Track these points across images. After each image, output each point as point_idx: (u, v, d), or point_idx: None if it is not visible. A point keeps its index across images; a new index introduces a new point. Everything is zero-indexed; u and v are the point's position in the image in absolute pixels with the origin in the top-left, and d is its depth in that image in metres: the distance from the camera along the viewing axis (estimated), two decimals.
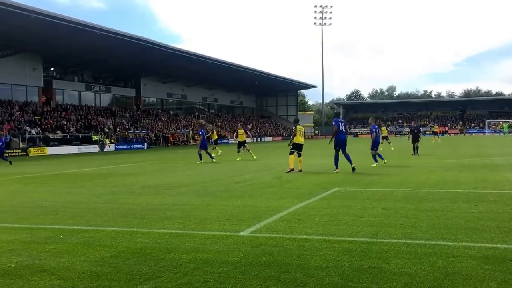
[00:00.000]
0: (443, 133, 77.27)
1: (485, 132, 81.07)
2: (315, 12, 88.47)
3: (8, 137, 35.16)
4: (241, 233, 6.38)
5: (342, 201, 8.99)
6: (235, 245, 5.70)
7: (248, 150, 23.68)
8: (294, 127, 15.92)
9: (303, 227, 6.65)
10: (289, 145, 15.94)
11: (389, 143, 31.65)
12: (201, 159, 21.74)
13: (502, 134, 75.70)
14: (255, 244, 5.72)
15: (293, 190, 10.80)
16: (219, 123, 75.63)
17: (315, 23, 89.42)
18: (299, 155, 15.53)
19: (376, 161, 17.15)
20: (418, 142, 23.37)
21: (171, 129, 60.90)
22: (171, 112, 70.72)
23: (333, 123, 15.43)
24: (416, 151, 23.07)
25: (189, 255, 5.30)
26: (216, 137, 25.83)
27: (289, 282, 4.28)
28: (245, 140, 24.20)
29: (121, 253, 5.47)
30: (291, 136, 15.95)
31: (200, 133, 22.58)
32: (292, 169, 15.23)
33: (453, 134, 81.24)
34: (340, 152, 14.98)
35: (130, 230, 6.76)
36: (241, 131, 24.17)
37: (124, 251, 5.58)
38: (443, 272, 4.43)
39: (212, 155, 22.85)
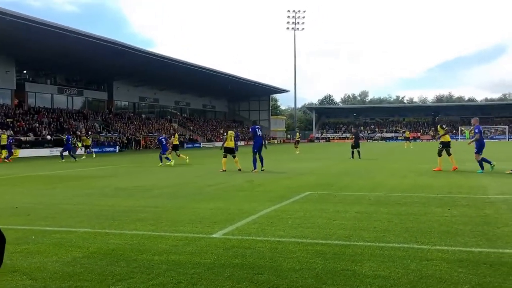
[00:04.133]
0: (415, 138, 78.36)
1: (458, 138, 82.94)
2: (288, 17, 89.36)
3: None
4: (214, 235, 6.33)
5: (315, 204, 9.02)
6: (208, 247, 5.66)
7: (178, 156, 24.91)
8: (225, 133, 17.64)
9: (275, 229, 6.65)
10: (221, 149, 17.95)
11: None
12: (161, 162, 22.66)
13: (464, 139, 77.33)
14: (228, 246, 5.69)
15: (265, 194, 10.80)
16: (191, 127, 75.30)
17: (288, 28, 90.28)
18: (234, 157, 17.45)
19: (483, 168, 15.29)
20: (359, 147, 25.05)
21: (143, 132, 60.35)
22: (143, 116, 70.07)
23: (250, 130, 17.80)
24: (357, 155, 24.67)
25: (162, 257, 5.25)
26: (177, 142, 25.58)
27: (262, 284, 4.26)
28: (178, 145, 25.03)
29: (93, 254, 5.41)
30: (223, 142, 17.91)
31: (162, 138, 24.10)
32: (224, 170, 16.98)
33: (426, 140, 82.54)
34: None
35: (102, 232, 6.70)
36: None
37: (96, 252, 5.52)
38: (417, 275, 4.47)
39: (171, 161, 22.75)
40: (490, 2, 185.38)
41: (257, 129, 17.37)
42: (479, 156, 15.38)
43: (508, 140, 79.49)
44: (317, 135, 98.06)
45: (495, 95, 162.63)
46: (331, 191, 11.15)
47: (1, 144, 28.99)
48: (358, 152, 24.87)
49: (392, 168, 18.35)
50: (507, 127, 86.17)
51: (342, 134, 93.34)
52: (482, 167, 15.26)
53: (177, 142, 25.65)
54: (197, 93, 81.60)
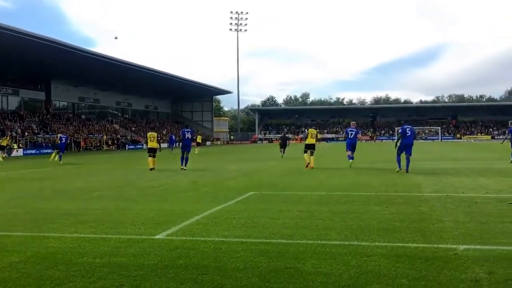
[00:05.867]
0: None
1: (394, 139, 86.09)
2: (231, 18, 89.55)
3: None
4: (157, 237, 6.25)
5: (258, 204, 9.09)
6: (151, 249, 5.58)
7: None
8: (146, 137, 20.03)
9: (219, 230, 6.65)
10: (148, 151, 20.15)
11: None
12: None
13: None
14: (171, 247, 5.63)
15: (209, 194, 10.76)
16: (133, 128, 73.77)
17: (230, 29, 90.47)
18: (154, 156, 19.52)
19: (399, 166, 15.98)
20: (285, 148, 28.86)
21: (83, 134, 58.47)
22: (83, 117, 67.88)
23: (180, 132, 20.57)
24: (283, 153, 28.30)
25: (103, 259, 5.13)
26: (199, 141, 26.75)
27: (206, 284, 4.25)
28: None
29: (31, 258, 5.22)
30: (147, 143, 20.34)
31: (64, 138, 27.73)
32: (152, 168, 18.94)
33: (364, 141, 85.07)
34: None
35: (40, 235, 6.46)
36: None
37: (34, 256, 5.33)
38: (357, 271, 4.60)
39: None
40: (424, 7, 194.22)
41: (186, 132, 19.80)
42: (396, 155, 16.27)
43: (441, 140, 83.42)
44: (260, 136, 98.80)
45: (429, 97, 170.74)
46: (274, 191, 11.28)
47: None
48: (284, 151, 28.48)
49: (334, 168, 18.79)
50: (439, 128, 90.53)
51: (285, 135, 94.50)
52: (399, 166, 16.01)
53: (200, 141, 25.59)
54: (140, 94, 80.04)
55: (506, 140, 22.27)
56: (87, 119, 67.32)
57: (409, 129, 16.41)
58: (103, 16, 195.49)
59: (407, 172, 15.44)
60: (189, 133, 19.89)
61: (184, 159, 19.34)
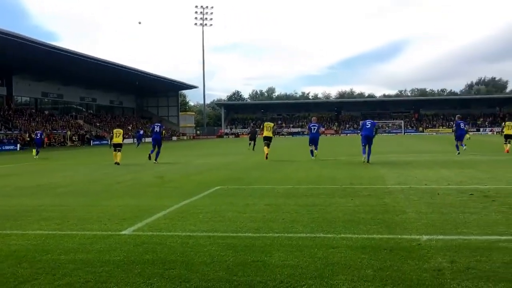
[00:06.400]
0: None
1: (359, 133, 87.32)
2: (196, 12, 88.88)
3: None
4: (123, 232, 6.18)
5: (225, 198, 9.08)
6: (117, 244, 5.51)
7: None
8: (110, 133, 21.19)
9: (186, 224, 6.62)
10: (110, 146, 20.93)
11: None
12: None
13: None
14: (138, 243, 5.57)
15: (175, 189, 10.69)
16: (98, 124, 72.38)
17: (196, 24, 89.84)
18: (119, 150, 19.80)
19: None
20: (255, 141, 30.02)
21: (46, 130, 56.91)
22: (46, 112, 66.07)
23: (150, 127, 21.78)
24: (253, 148, 29.08)
25: (68, 256, 5.05)
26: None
27: (173, 279, 4.23)
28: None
29: None
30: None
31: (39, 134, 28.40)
32: (116, 163, 19.36)
33: (329, 135, 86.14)
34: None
35: (2, 233, 6.33)
36: None
37: None
38: (324, 262, 4.66)
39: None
40: (387, 3, 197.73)
41: (155, 126, 20.61)
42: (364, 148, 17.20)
43: (404, 134, 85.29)
44: (226, 130, 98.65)
45: (392, 91, 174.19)
46: (241, 185, 11.29)
47: None
48: (254, 144, 29.39)
49: (299, 161, 18.94)
50: (402, 121, 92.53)
51: (254, 129, 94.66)
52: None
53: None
54: (104, 89, 78.56)
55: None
56: (51, 115, 65.65)
57: (369, 121, 17.74)
58: (67, 10, 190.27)
59: (368, 162, 16.47)
60: (158, 127, 20.51)
61: (155, 153, 19.77)
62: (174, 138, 79.97)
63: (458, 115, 25.28)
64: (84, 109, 77.22)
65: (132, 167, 18.14)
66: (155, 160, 19.60)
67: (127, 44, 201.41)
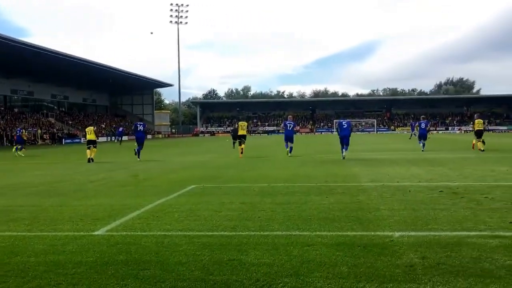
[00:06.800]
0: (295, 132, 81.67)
1: (333, 131, 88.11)
2: (171, 10, 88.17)
3: None
4: (96, 233, 6.09)
5: (201, 197, 9.05)
6: (90, 245, 5.43)
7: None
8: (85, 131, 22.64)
9: (161, 223, 6.57)
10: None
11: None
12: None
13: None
14: (111, 243, 5.50)
15: (150, 188, 10.59)
16: (70, 122, 71.08)
17: (171, 22, 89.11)
18: (94, 147, 20.72)
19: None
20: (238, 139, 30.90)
21: (16, 128, 55.51)
22: (16, 110, 64.47)
23: (133, 126, 22.26)
24: (233, 145, 28.91)
25: (38, 258, 4.93)
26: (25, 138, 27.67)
27: (148, 279, 4.20)
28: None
29: None
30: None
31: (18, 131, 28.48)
32: (90, 160, 20.03)
33: (304, 133, 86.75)
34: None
35: None
36: None
37: None
38: (299, 260, 4.69)
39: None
40: (361, 4, 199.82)
41: (138, 125, 21.19)
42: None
43: (377, 132, 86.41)
44: (202, 129, 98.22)
45: (365, 91, 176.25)
46: (216, 183, 11.26)
47: None
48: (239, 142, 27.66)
49: (275, 160, 19.03)
50: (375, 120, 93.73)
51: (226, 128, 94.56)
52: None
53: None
54: (77, 86, 77.06)
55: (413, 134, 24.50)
56: (20, 113, 64.09)
57: (345, 122, 19.21)
58: (38, 7, 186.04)
59: (343, 159, 17.69)
60: (141, 125, 21.23)
61: (137, 151, 20.51)
62: (149, 136, 79.12)
63: (423, 116, 28.07)
64: (55, 107, 75.70)
65: (106, 165, 17.90)
66: (138, 157, 20.28)
67: (101, 41, 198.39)
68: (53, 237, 5.88)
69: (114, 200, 8.93)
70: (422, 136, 23.69)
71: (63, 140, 59.21)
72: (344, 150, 18.25)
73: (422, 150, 22.41)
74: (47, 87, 70.59)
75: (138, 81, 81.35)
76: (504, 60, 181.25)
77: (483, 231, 5.76)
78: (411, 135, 43.48)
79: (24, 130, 36.19)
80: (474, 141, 22.60)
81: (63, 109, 77.56)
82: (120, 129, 50.77)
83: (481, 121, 23.01)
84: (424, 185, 10.02)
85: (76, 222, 6.79)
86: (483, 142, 21.84)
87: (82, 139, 60.59)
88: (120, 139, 46.84)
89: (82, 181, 12.43)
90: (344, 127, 18.68)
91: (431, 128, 63.66)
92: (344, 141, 18.29)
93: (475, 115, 24.83)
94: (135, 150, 20.71)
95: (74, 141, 60.24)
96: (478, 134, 22.22)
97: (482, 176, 11.57)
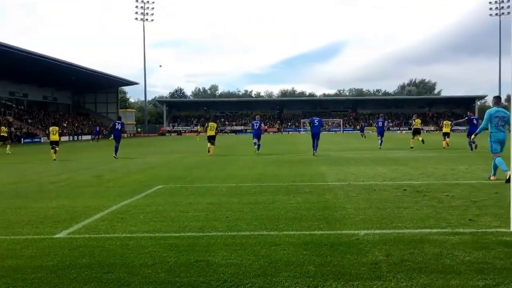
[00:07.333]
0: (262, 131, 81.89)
1: (301, 131, 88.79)
2: (136, 7, 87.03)
3: None
4: (57, 235, 5.91)
5: (167, 197, 8.93)
6: (50, 249, 5.26)
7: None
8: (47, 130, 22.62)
9: (126, 225, 6.44)
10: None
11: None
12: None
13: (306, 131, 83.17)
14: (74, 246, 5.35)
15: (115, 189, 10.39)
16: (30, 121, 69.03)
17: (136, 18, 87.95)
18: (56, 147, 21.37)
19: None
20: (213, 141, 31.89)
21: None
22: None
23: (111, 124, 22.91)
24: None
25: None
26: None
27: (112, 283, 4.10)
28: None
29: None
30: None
31: None
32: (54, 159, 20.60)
33: (272, 133, 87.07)
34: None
35: None
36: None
37: None
38: (267, 260, 4.68)
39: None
40: (327, 5, 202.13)
41: (116, 124, 22.01)
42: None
43: (343, 132, 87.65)
44: (168, 128, 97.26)
45: (332, 91, 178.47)
46: (183, 183, 11.15)
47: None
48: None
49: (243, 159, 19.01)
50: (341, 120, 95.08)
51: (193, 127, 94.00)
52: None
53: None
54: (37, 84, 74.82)
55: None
56: None
57: (317, 120, 20.79)
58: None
59: (314, 155, 19.39)
60: (119, 124, 22.07)
61: (115, 148, 21.35)
62: (93, 136, 77.60)
63: (381, 114, 30.93)
64: (14, 105, 73.40)
65: (69, 165, 17.45)
66: (115, 154, 21.14)
67: (64, 38, 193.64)
68: (11, 241, 5.67)
69: (77, 201, 8.69)
70: (380, 133, 26.17)
71: (22, 139, 57.44)
72: (315, 146, 19.98)
73: (380, 147, 24.97)
74: (5, 84, 68.18)
75: (102, 79, 79.74)
76: (463, 63, 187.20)
77: (444, 228, 5.90)
78: (361, 135, 45.88)
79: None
80: (413, 139, 25.36)
81: (22, 108, 75.29)
82: (97, 128, 52.37)
83: (419, 121, 26.25)
84: (388, 184, 10.20)
85: (36, 225, 6.58)
86: (423, 142, 24.82)
87: (42, 138, 59.07)
88: (97, 138, 48.47)
89: (42, 182, 12.07)
90: (316, 124, 20.43)
91: (400, 127, 65.53)
92: (315, 138, 20.07)
93: (414, 116, 28.02)
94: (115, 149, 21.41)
95: (33, 140, 58.55)
96: (416, 132, 25.38)
97: (443, 174, 11.88)
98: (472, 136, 10.52)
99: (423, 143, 25.18)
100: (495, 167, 10.36)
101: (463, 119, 25.50)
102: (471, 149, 20.72)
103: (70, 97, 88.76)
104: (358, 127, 68.37)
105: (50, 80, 74.20)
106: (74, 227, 6.40)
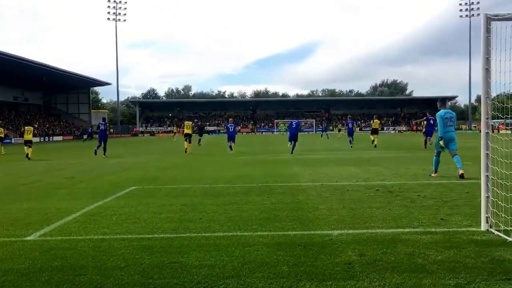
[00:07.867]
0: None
1: (274, 131, 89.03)
2: (109, 7, 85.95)
3: None
4: (28, 238, 5.80)
5: (140, 199, 8.86)
6: (21, 251, 5.17)
7: None
8: (23, 128, 23.98)
9: (99, 227, 6.37)
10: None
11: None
12: None
13: (280, 132, 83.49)
14: (45, 249, 5.27)
15: (87, 190, 10.24)
16: (0, 122, 67.28)
17: (108, 18, 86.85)
18: (30, 146, 22.19)
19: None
20: (201, 137, 33.49)
21: None
22: None
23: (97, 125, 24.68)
24: (199, 142, 32.29)
25: None
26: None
27: (84, 285, 4.06)
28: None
29: None
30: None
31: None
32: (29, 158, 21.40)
33: (245, 133, 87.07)
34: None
35: None
36: None
37: None
38: (241, 261, 4.70)
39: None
40: (300, 6, 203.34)
41: (100, 125, 23.17)
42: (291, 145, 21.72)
43: (315, 132, 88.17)
44: (141, 129, 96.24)
45: (305, 91, 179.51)
46: (156, 185, 11.07)
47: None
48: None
49: (217, 160, 18.96)
50: (314, 120, 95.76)
51: (167, 128, 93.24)
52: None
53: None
54: (7, 84, 72.90)
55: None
56: None
57: (294, 122, 22.64)
58: None
59: (291, 153, 20.93)
60: (102, 125, 23.23)
61: (103, 148, 22.44)
62: (85, 136, 76.46)
63: (349, 116, 33.30)
64: None
65: (41, 167, 17.10)
66: (104, 154, 22.18)
67: (35, 38, 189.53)
68: None
69: (48, 203, 8.55)
70: (350, 134, 28.00)
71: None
72: (291, 146, 21.75)
73: (351, 146, 26.59)
74: None
75: (73, 80, 78.35)
76: (434, 64, 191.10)
77: (416, 227, 6.02)
78: (321, 135, 47.35)
79: None
80: (371, 137, 27.16)
81: None
82: (90, 129, 54.09)
83: (378, 121, 27.91)
84: (361, 184, 10.34)
85: (6, 227, 6.45)
86: (375, 146, 25.66)
87: (13, 139, 57.73)
88: (89, 138, 49.74)
89: (13, 184, 11.82)
90: (293, 126, 22.32)
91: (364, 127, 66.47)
92: (291, 139, 21.84)
93: (374, 116, 29.50)
94: (95, 149, 22.66)
95: (4, 142, 57.05)
96: (374, 132, 27.14)
97: (415, 174, 12.11)
98: (441, 143, 11.05)
99: (375, 147, 25.40)
100: (437, 164, 11.68)
101: (422, 119, 27.56)
102: (425, 147, 23.30)
103: (41, 97, 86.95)
104: (320, 126, 69.43)
105: (21, 80, 72.51)
106: (45, 229, 6.30)
